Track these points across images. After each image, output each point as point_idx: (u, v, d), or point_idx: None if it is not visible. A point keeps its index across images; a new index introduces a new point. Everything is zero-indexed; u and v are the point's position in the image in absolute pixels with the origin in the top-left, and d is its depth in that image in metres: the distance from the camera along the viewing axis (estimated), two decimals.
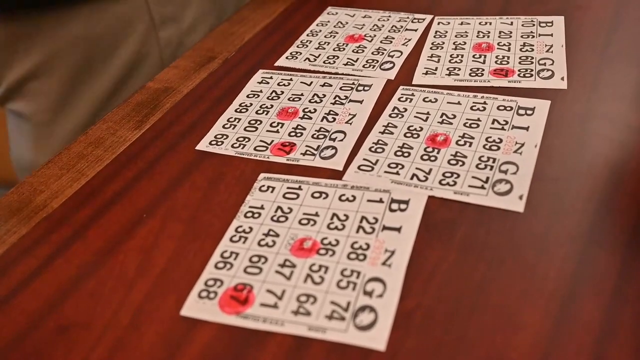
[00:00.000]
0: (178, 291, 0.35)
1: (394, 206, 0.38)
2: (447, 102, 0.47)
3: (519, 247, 0.35)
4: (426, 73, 0.51)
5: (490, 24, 0.58)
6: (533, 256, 0.34)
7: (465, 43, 0.55)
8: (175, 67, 0.58)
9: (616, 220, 0.36)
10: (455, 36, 0.56)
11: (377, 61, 0.54)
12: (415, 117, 0.46)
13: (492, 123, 0.44)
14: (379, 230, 0.37)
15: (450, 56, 0.53)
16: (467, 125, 0.44)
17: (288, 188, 0.41)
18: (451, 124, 0.45)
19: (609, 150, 0.41)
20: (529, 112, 0.45)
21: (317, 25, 0.62)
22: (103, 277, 0.36)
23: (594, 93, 0.46)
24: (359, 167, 0.42)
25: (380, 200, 0.39)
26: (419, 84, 0.50)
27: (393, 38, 0.58)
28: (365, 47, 0.57)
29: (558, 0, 0.60)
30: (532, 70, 0.50)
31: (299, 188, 0.41)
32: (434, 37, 0.57)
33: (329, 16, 0.63)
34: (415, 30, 0.58)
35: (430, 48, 0.55)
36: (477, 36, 0.56)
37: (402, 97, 0.48)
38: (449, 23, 0.59)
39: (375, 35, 0.58)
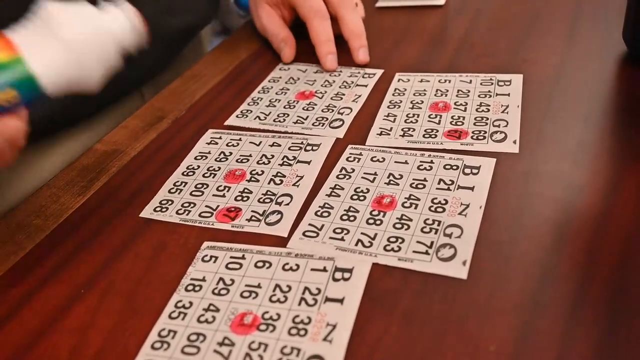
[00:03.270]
0: None
1: (338, 275, 0.37)
2: (395, 162, 0.47)
3: (461, 317, 0.34)
4: (380, 134, 0.51)
5: (450, 81, 0.57)
6: (476, 327, 0.33)
7: (422, 102, 0.55)
8: (124, 127, 0.57)
9: (559, 286, 0.35)
10: (414, 94, 0.56)
11: (327, 119, 0.54)
12: (362, 177, 0.46)
13: (439, 183, 0.44)
14: (321, 303, 0.36)
15: (407, 116, 0.53)
16: (414, 185, 0.44)
17: (231, 257, 0.40)
18: (398, 184, 0.44)
19: (553, 211, 0.40)
20: (474, 171, 0.45)
21: (269, 81, 0.62)
22: None
23: (538, 150, 0.46)
24: (304, 234, 0.41)
25: (324, 269, 0.38)
26: (373, 144, 0.50)
27: (343, 94, 0.58)
28: (316, 104, 0.56)
29: (506, 55, 0.61)
30: (485, 132, 0.49)
31: (243, 257, 0.40)
32: (393, 94, 0.57)
33: (281, 72, 0.63)
34: (366, 86, 0.59)
35: (388, 106, 0.55)
36: (436, 95, 0.56)
37: (350, 157, 0.48)
38: (408, 80, 0.59)
39: (326, 92, 0.58)
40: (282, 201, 0.44)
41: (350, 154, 0.49)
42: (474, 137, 0.49)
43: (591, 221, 0.39)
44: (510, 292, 0.35)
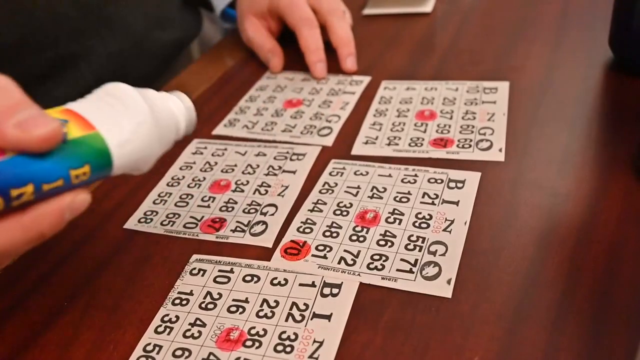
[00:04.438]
0: None
1: (326, 291, 0.37)
2: (378, 175, 0.47)
3: (445, 328, 0.34)
4: (366, 142, 0.51)
5: (436, 89, 0.58)
6: (459, 338, 0.34)
7: (408, 110, 0.55)
8: None
9: (542, 295, 0.35)
10: (400, 102, 0.56)
11: (315, 127, 0.54)
12: (345, 191, 0.45)
13: (423, 197, 0.44)
14: (308, 319, 0.36)
15: (393, 124, 0.53)
16: (397, 199, 0.44)
17: (219, 271, 0.40)
18: (381, 198, 0.44)
19: (537, 219, 0.41)
20: (459, 184, 0.45)
21: (256, 90, 0.61)
22: None
23: (523, 158, 0.47)
24: (285, 251, 0.41)
25: (313, 284, 0.38)
26: (358, 154, 0.50)
27: (331, 102, 0.58)
28: (304, 112, 0.56)
29: (493, 62, 0.61)
30: (471, 140, 0.49)
31: (231, 271, 0.40)
32: (379, 103, 0.57)
33: (267, 80, 0.63)
34: (353, 93, 0.59)
35: (374, 115, 0.55)
36: (422, 103, 0.56)
37: (333, 172, 0.48)
38: (395, 88, 0.59)
39: (313, 99, 0.58)
40: (267, 211, 0.44)
41: (334, 168, 0.48)
42: (460, 146, 0.49)
43: (576, 229, 0.39)
44: (494, 302, 0.35)
